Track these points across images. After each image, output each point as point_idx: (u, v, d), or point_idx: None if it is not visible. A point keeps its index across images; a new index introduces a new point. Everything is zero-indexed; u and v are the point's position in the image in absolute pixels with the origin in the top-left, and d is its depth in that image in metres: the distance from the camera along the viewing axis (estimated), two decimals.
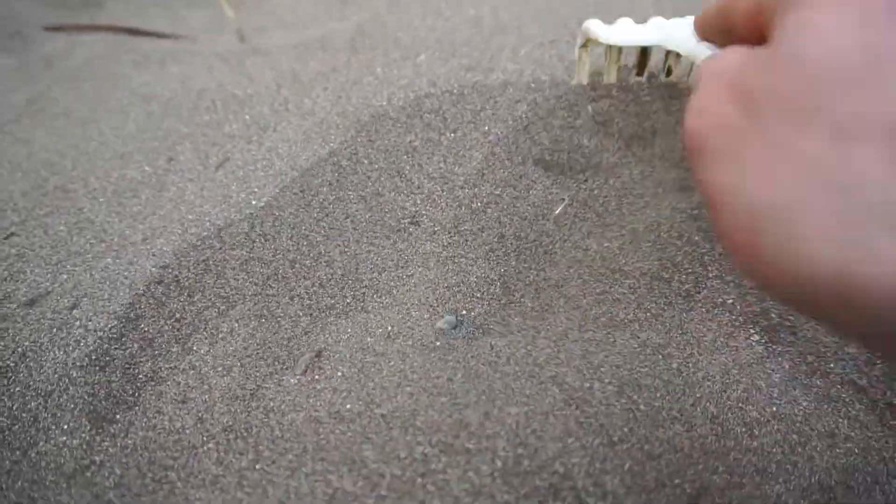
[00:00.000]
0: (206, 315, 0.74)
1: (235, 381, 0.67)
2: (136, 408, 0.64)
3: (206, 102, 1.07)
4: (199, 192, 0.87)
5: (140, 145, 1.00)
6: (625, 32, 0.68)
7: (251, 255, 0.79)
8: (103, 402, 0.64)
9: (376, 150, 0.91)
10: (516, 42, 1.07)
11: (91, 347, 0.67)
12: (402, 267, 0.77)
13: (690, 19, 0.59)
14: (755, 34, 0.40)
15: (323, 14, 1.42)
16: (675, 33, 0.61)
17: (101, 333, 0.69)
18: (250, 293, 0.76)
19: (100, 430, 0.62)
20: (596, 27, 0.71)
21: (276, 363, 0.68)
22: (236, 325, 0.73)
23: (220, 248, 0.79)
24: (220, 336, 0.72)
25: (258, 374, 0.68)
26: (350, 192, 0.87)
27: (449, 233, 0.80)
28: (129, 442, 0.61)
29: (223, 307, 0.75)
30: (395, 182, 0.88)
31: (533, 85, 0.94)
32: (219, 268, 0.77)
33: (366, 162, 0.90)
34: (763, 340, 0.65)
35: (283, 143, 0.93)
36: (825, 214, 0.27)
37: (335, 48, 1.19)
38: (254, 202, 0.83)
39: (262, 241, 0.80)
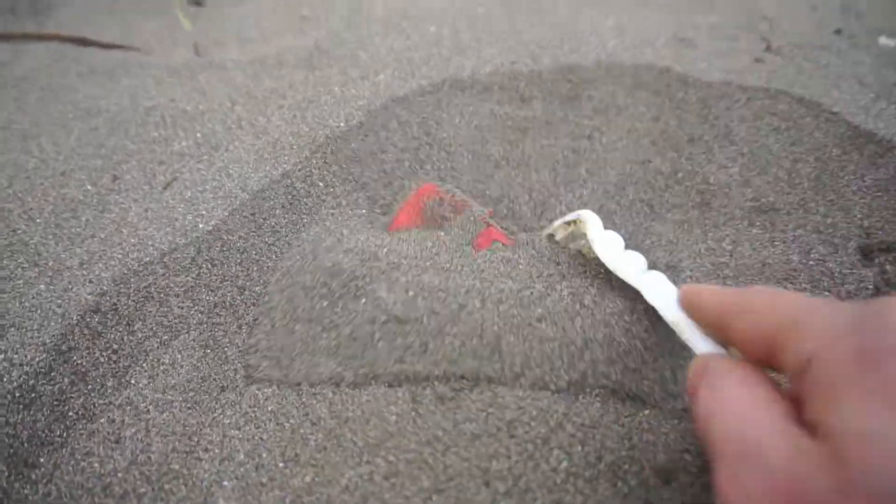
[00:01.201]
0: (147, 345, 0.69)
1: (176, 417, 0.63)
2: (64, 449, 0.60)
3: (154, 118, 1.03)
4: (143, 214, 0.82)
5: (83, 163, 0.95)
6: (613, 258, 0.64)
7: (197, 281, 0.75)
8: (25, 445, 0.59)
9: (332, 172, 0.89)
10: (476, 63, 1.06)
11: (15, 383, 0.62)
12: None
13: (671, 287, 0.57)
14: (754, 355, 0.42)
15: (282, 29, 1.39)
16: (661, 294, 0.57)
17: (28, 368, 0.64)
18: (195, 322, 0.72)
19: (19, 476, 0.57)
20: (593, 227, 0.67)
21: (222, 396, 0.65)
22: (179, 356, 0.69)
23: (164, 275, 0.75)
24: (162, 368, 0.68)
25: (202, 408, 0.64)
26: (304, 216, 0.84)
27: None
28: (52, 489, 0.56)
29: (166, 337, 0.70)
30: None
31: None
32: (161, 295, 0.73)
33: (321, 185, 0.87)
34: None
35: (234, 164, 0.90)
36: None
37: (292, 65, 1.16)
38: (201, 225, 0.79)
39: (210, 266, 0.76)
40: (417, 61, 1.09)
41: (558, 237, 0.74)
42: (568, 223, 0.73)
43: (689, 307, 0.52)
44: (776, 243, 0.80)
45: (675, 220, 0.80)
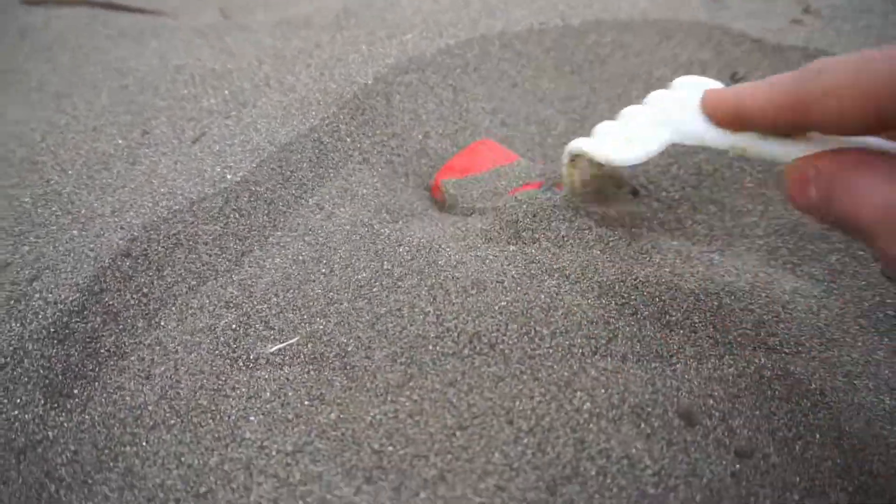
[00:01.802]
0: (176, 290, 0.71)
1: (204, 358, 0.64)
2: (96, 383, 0.61)
3: (183, 77, 1.04)
4: (172, 166, 0.83)
5: (114, 119, 0.96)
6: (630, 148, 0.55)
7: (225, 230, 0.76)
8: (60, 377, 0.61)
9: (359, 128, 0.89)
10: (504, 25, 1.05)
11: (50, 320, 0.64)
12: None
13: (692, 102, 0.51)
14: (854, 127, 0.41)
15: None
16: (688, 125, 0.51)
17: (62, 306, 0.65)
18: (223, 269, 0.73)
19: (55, 405, 0.59)
20: (592, 148, 0.58)
21: (248, 342, 0.66)
22: (207, 301, 0.70)
23: (193, 223, 0.75)
24: (190, 312, 0.69)
25: (229, 351, 0.65)
26: (330, 171, 0.84)
27: None
28: (86, 417, 0.58)
29: (194, 283, 0.72)
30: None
31: None
32: (190, 242, 0.74)
33: (348, 140, 0.88)
34: None
35: (262, 119, 0.90)
36: None
37: (320, 26, 1.16)
38: (229, 176, 0.80)
39: (237, 216, 0.77)
40: (445, 22, 1.08)
41: (576, 185, 0.72)
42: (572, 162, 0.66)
43: (738, 120, 0.48)
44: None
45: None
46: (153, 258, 0.72)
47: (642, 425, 0.53)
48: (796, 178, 0.46)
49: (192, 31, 1.25)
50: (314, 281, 0.71)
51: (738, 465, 0.51)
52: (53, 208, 0.79)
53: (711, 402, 0.55)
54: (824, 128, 0.44)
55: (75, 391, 0.60)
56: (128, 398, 0.60)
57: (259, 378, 0.62)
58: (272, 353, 0.65)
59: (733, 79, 0.91)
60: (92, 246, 0.72)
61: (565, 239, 0.72)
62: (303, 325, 0.67)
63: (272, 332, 0.66)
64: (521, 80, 0.96)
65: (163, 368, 0.63)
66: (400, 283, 0.68)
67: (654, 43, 0.98)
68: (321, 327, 0.66)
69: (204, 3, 1.47)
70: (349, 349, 0.63)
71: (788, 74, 0.44)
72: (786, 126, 0.46)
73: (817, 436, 0.56)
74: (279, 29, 1.19)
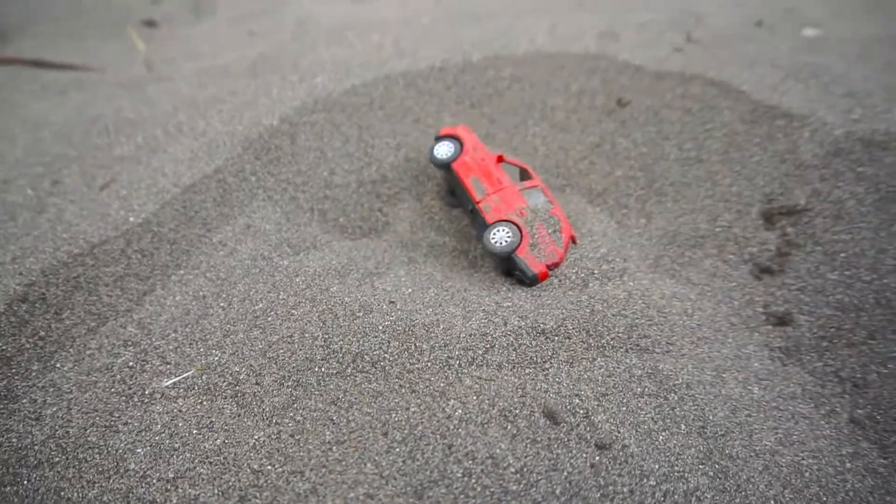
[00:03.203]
0: (74, 332, 0.72)
1: (99, 396, 0.65)
2: None
3: (98, 127, 1.06)
4: (78, 213, 0.85)
5: (26, 170, 0.98)
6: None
7: (127, 271, 0.78)
8: None
9: (264, 167, 0.92)
10: (409, 65, 1.10)
11: None
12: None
13: None
14: None
15: (232, 44, 1.44)
16: None
17: None
18: (124, 309, 0.74)
19: None
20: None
21: (146, 377, 0.67)
22: (106, 341, 0.71)
23: (94, 265, 0.77)
24: (88, 353, 0.70)
25: (126, 387, 0.66)
26: (235, 209, 0.87)
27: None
28: None
29: (93, 324, 0.73)
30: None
31: None
32: (91, 285, 0.76)
33: (253, 179, 0.91)
34: None
35: (170, 163, 0.93)
36: None
37: (236, 73, 1.20)
38: (132, 219, 0.82)
39: (139, 257, 0.79)
40: (354, 64, 1.13)
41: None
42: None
43: None
44: (686, 214, 0.84)
45: (588, 189, 0.84)
46: (51, 301, 0.73)
47: (509, 427, 0.55)
48: None
49: (115, 85, 1.28)
50: (212, 315, 0.73)
51: (597, 457, 0.54)
52: None
53: (577, 401, 0.58)
54: None
55: None
56: (14, 440, 0.60)
57: (152, 412, 0.64)
58: (168, 387, 0.66)
59: (619, 104, 0.97)
60: None
61: (454, 260, 0.75)
62: (199, 357, 0.68)
63: (169, 366, 0.68)
64: (424, 116, 1.01)
65: (55, 409, 0.64)
66: (293, 312, 0.70)
67: (548, 75, 1.04)
68: (216, 359, 0.68)
69: (131, 58, 1.50)
70: (241, 377, 0.65)
71: None
72: None
73: (682, 426, 0.60)
74: (198, 78, 1.23)
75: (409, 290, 0.73)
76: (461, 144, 0.85)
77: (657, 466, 0.55)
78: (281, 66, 1.20)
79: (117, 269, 0.78)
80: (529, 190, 0.80)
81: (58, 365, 0.68)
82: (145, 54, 1.46)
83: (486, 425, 0.55)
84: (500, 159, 0.84)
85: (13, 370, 0.67)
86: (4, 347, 0.68)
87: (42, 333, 0.71)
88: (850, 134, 0.84)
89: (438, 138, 0.87)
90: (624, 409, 0.59)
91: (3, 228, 0.84)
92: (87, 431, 0.62)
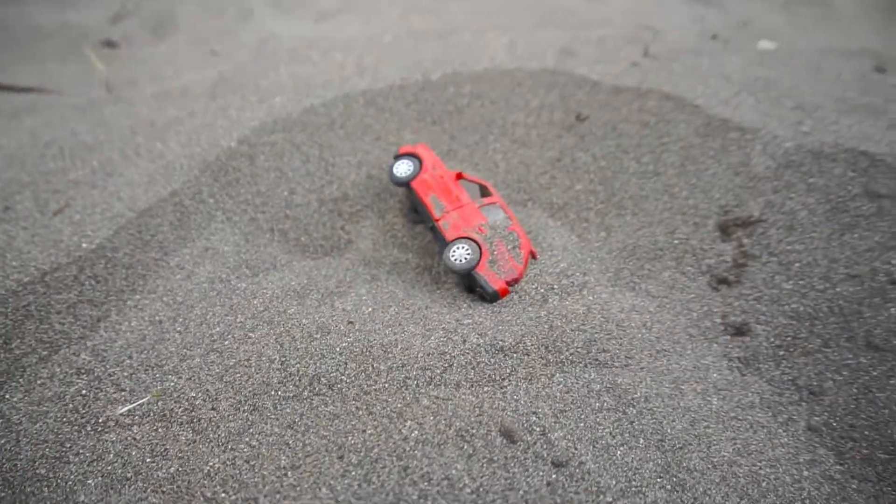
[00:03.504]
0: (25, 362, 0.70)
1: (49, 427, 0.64)
2: None
3: (52, 151, 1.04)
4: (29, 239, 0.83)
5: None
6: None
7: (80, 297, 0.76)
8: None
9: (222, 189, 0.91)
10: (369, 83, 1.10)
11: None
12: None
13: None
14: None
15: (194, 65, 1.43)
16: None
17: None
18: (77, 336, 0.73)
19: None
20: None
21: (99, 405, 0.65)
22: (58, 369, 0.69)
23: (45, 293, 0.75)
24: (39, 382, 0.68)
25: (78, 417, 0.64)
26: (192, 231, 0.86)
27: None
28: None
29: (45, 352, 0.71)
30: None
31: None
32: (42, 313, 0.74)
33: (211, 201, 0.90)
34: None
35: (126, 187, 0.91)
36: None
37: (195, 95, 1.19)
38: (84, 245, 0.80)
39: (93, 283, 0.77)
40: (314, 84, 1.13)
41: None
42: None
43: None
44: (645, 227, 0.85)
45: (549, 204, 0.85)
46: (0, 332, 0.71)
47: (465, 447, 0.55)
48: None
49: (71, 108, 1.26)
50: (169, 340, 0.71)
51: (554, 475, 0.54)
52: None
53: (535, 418, 0.58)
54: None
55: None
56: None
57: (105, 441, 0.62)
58: (122, 415, 0.65)
59: (578, 118, 0.98)
60: None
61: (416, 277, 0.75)
62: (155, 383, 0.67)
63: (123, 393, 0.66)
64: (385, 134, 1.01)
65: (2, 441, 0.62)
66: (251, 334, 0.70)
67: (507, 91, 1.05)
68: (172, 384, 0.66)
69: (90, 80, 1.48)
70: (197, 402, 0.64)
71: None
72: None
73: (640, 440, 0.60)
74: (157, 100, 1.21)
75: (370, 310, 0.73)
76: (420, 162, 0.86)
77: (614, 482, 0.55)
78: (241, 86, 1.19)
79: (70, 296, 0.76)
80: (488, 206, 0.80)
81: (6, 396, 0.67)
82: (105, 75, 1.44)
83: (442, 446, 0.55)
84: (458, 177, 0.84)
85: None
86: None
87: None
88: (800, 146, 0.86)
89: (398, 157, 0.88)
90: (582, 424, 0.59)
91: None
92: (36, 463, 0.60)
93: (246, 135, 0.97)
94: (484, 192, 0.84)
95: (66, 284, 0.77)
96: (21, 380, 0.68)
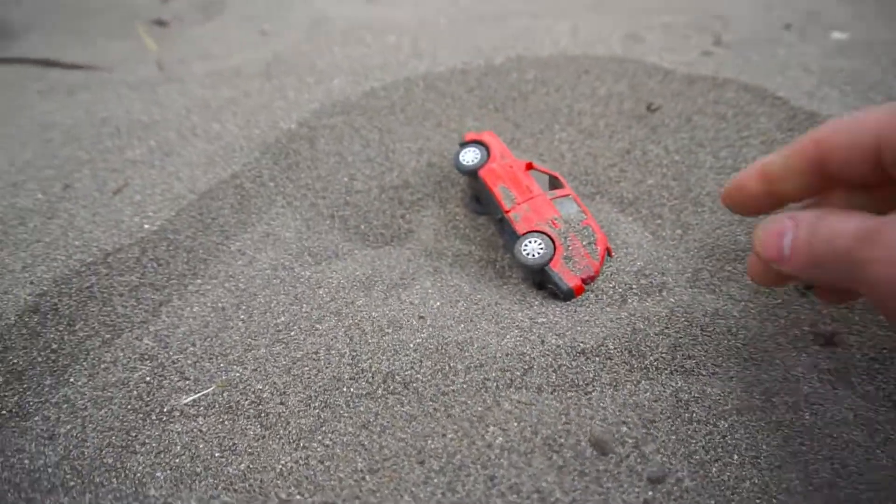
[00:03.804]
0: (88, 345, 0.68)
1: (115, 413, 0.62)
2: None
3: (109, 129, 1.03)
4: (90, 219, 0.82)
5: (35, 173, 0.94)
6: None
7: (142, 280, 0.74)
8: None
9: (283, 172, 0.88)
10: (428, 67, 1.07)
11: None
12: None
13: None
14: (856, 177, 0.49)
15: (244, 44, 1.40)
16: None
17: None
18: (139, 320, 0.71)
19: None
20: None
21: (164, 393, 0.64)
22: (121, 354, 0.68)
23: (107, 275, 0.74)
24: (103, 366, 0.66)
25: (143, 405, 0.63)
26: (253, 216, 0.83)
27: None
28: None
29: (108, 336, 0.70)
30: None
31: None
32: (104, 295, 0.72)
33: (271, 184, 0.87)
34: None
35: (185, 168, 0.90)
36: None
37: (250, 75, 1.16)
38: (146, 226, 0.79)
39: (155, 265, 0.76)
40: (372, 66, 1.10)
41: None
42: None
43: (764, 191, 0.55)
44: (724, 225, 0.80)
45: (619, 198, 0.81)
46: (64, 313, 0.70)
47: (554, 457, 0.52)
48: (773, 230, 0.51)
49: (124, 85, 1.24)
50: (232, 328, 0.69)
51: (650, 493, 0.50)
52: None
53: (625, 429, 0.55)
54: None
55: None
56: (27, 461, 0.57)
57: (171, 431, 0.60)
58: (187, 405, 0.63)
59: (649, 109, 0.94)
60: None
61: (481, 271, 0.72)
62: (219, 373, 0.65)
63: (188, 382, 0.65)
64: (446, 120, 0.97)
65: (69, 427, 0.61)
66: (318, 326, 0.67)
67: (573, 78, 1.01)
68: (238, 375, 0.64)
69: (141, 58, 1.46)
70: (264, 396, 0.62)
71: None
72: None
73: (735, 456, 0.56)
74: (210, 79, 1.19)
75: (438, 304, 0.70)
76: (488, 151, 0.82)
77: (713, 502, 0.51)
78: (296, 66, 1.16)
79: (132, 279, 0.74)
80: (561, 199, 0.77)
81: (71, 379, 0.65)
82: (156, 54, 1.42)
83: (529, 455, 0.52)
84: (528, 167, 0.80)
85: (25, 385, 0.64)
86: (15, 361, 0.65)
87: (55, 346, 0.67)
88: None
89: (463, 144, 0.84)
90: (674, 437, 0.56)
91: (13, 234, 0.81)
92: (104, 452, 0.58)
93: (305, 117, 0.95)
94: (554, 183, 0.81)
95: (129, 266, 0.75)
96: (85, 363, 0.67)
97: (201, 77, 1.21)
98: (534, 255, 0.71)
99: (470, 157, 0.82)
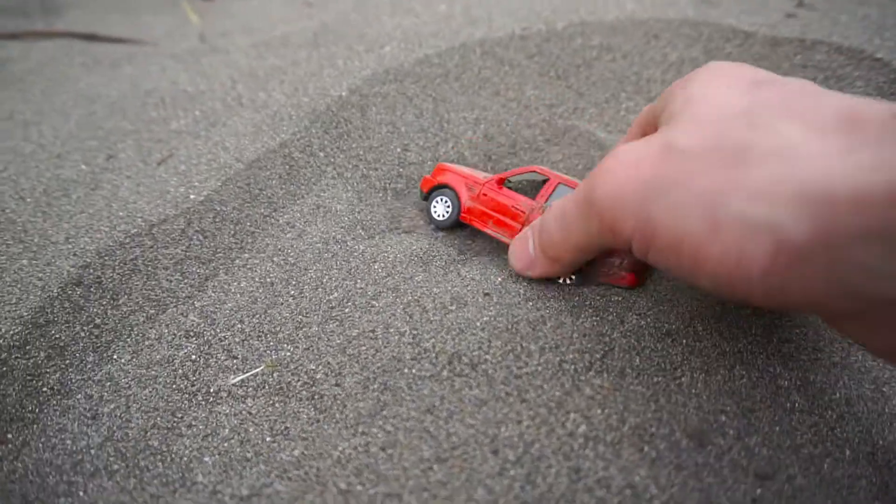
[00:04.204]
0: (132, 320, 0.65)
1: (160, 393, 0.58)
2: (34, 426, 0.55)
3: (154, 100, 0.99)
4: (134, 189, 0.78)
5: (79, 144, 0.92)
6: None
7: (188, 253, 0.70)
8: None
9: (333, 142, 0.84)
10: (485, 33, 1.00)
11: None
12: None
13: None
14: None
15: (288, 17, 1.36)
16: None
17: (1, 341, 0.59)
18: (184, 295, 0.67)
19: None
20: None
21: (211, 373, 0.59)
22: (166, 330, 0.64)
23: (152, 247, 0.70)
24: (147, 343, 0.63)
25: (189, 384, 0.58)
26: (302, 187, 0.79)
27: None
28: (19, 466, 0.52)
29: (152, 311, 0.66)
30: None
31: None
32: (149, 268, 0.68)
33: (321, 155, 0.82)
34: None
35: (231, 137, 0.85)
36: None
37: (297, 44, 1.12)
38: (192, 196, 0.75)
39: (201, 238, 0.72)
40: (425, 33, 1.04)
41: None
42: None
43: None
44: None
45: None
46: (107, 286, 0.67)
47: (646, 448, 0.46)
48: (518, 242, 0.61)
49: (168, 57, 1.21)
50: (282, 304, 0.65)
51: (759, 490, 0.44)
52: (6, 237, 0.74)
53: (724, 418, 0.49)
54: None
55: (9, 436, 0.54)
56: (69, 442, 0.54)
57: (219, 413, 0.56)
58: (234, 385, 0.58)
59: None
60: (40, 275, 0.67)
61: None
62: (269, 352, 0.60)
63: (235, 361, 0.60)
64: (504, 88, 0.91)
65: (112, 406, 0.57)
66: (374, 303, 0.62)
67: (642, 44, 0.94)
68: (288, 354, 0.60)
69: (184, 31, 1.44)
70: (318, 377, 0.57)
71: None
72: None
73: (847, 451, 0.50)
74: (256, 50, 1.15)
75: (500, 280, 0.64)
76: (454, 191, 0.72)
77: (829, 502, 0.45)
78: (345, 35, 1.11)
79: (177, 251, 0.70)
80: (553, 195, 0.66)
81: (115, 356, 0.61)
82: (200, 27, 1.39)
83: (617, 446, 0.46)
84: (501, 182, 0.71)
85: (67, 361, 0.60)
86: (58, 335, 0.62)
87: (98, 321, 0.64)
88: None
89: (425, 196, 0.74)
90: (778, 428, 0.49)
91: (56, 206, 0.78)
92: (148, 434, 0.54)
93: (357, 84, 0.90)
94: (538, 177, 0.70)
95: (174, 238, 0.71)
96: (128, 339, 0.63)
97: (246, 48, 1.16)
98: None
99: (441, 210, 0.72)
